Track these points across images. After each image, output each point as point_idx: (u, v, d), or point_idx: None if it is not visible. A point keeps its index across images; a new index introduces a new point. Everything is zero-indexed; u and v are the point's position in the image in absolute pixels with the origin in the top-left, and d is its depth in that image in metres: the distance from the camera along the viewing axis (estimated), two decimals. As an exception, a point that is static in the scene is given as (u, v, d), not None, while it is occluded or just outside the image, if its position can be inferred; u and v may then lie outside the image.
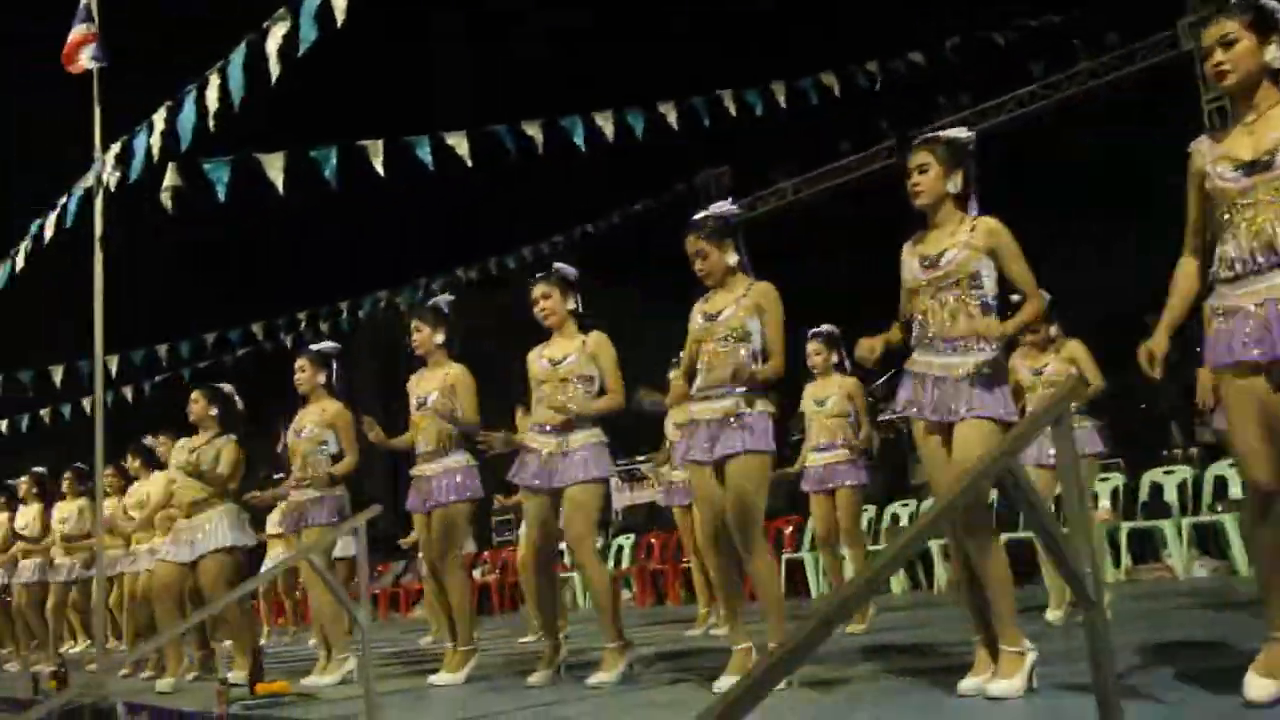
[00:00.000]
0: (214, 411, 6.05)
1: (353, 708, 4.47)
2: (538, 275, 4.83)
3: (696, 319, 4.25)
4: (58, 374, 9.61)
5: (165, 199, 6.16)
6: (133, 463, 7.39)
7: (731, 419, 4.01)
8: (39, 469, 8.98)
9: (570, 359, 4.74)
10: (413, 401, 5.31)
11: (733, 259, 4.20)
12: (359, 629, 4.15)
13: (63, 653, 8.59)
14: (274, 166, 6.47)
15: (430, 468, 5.21)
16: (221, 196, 6.27)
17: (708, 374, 4.12)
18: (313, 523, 5.51)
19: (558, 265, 4.85)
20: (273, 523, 9.22)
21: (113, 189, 6.11)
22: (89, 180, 6.12)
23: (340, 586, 4.27)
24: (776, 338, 4.08)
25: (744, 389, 4.02)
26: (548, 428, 4.67)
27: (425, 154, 7.19)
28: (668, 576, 10.76)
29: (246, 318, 11.58)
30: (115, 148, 6.02)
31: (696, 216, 4.34)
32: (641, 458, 11.41)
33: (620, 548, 11.36)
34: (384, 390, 5.40)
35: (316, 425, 5.66)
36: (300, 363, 5.68)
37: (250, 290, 14.55)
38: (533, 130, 7.79)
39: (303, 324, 11.82)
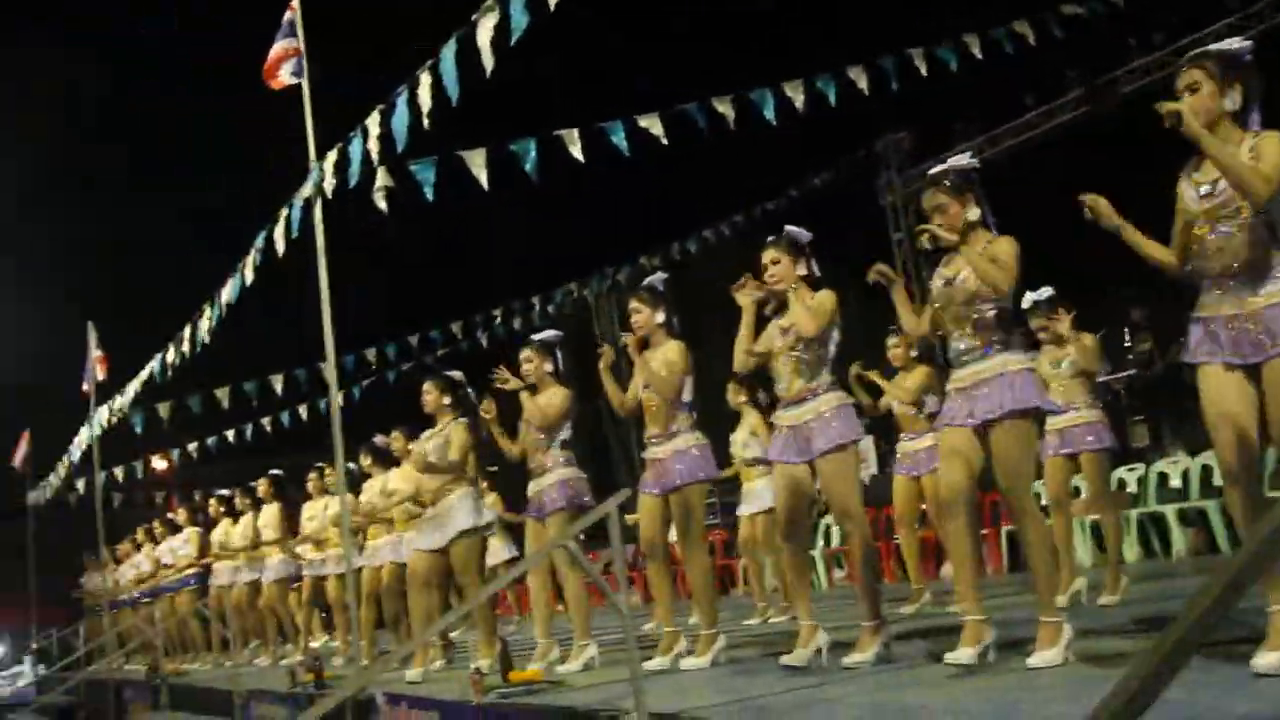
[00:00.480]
0: (447, 400, 6.18)
1: (608, 692, 4.45)
2: (770, 239, 4.65)
3: (937, 283, 4.09)
4: (278, 383, 10.06)
5: (379, 200, 6.29)
6: (364, 461, 7.63)
7: (991, 382, 3.81)
8: (276, 471, 9.49)
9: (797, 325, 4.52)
10: (639, 383, 5.27)
11: (974, 214, 4.00)
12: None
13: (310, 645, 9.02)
14: (476, 163, 6.55)
15: (660, 450, 5.15)
16: (429, 196, 6.38)
17: (959, 341, 3.93)
18: (551, 508, 5.54)
19: (788, 228, 4.65)
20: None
21: (329, 196, 6.25)
22: (307, 190, 6.28)
23: (599, 574, 4.25)
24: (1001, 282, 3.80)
25: (1001, 349, 3.84)
26: (792, 401, 4.53)
27: (620, 139, 7.17)
28: (880, 554, 10.48)
29: (445, 315, 11.87)
30: (332, 155, 6.15)
31: (933, 170, 4.15)
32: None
33: (828, 526, 11.13)
34: (577, 380, 5.43)
35: None
36: (526, 354, 5.70)
37: (443, 289, 14.92)
38: (723, 107, 7.68)
39: (498, 319, 12.04)
